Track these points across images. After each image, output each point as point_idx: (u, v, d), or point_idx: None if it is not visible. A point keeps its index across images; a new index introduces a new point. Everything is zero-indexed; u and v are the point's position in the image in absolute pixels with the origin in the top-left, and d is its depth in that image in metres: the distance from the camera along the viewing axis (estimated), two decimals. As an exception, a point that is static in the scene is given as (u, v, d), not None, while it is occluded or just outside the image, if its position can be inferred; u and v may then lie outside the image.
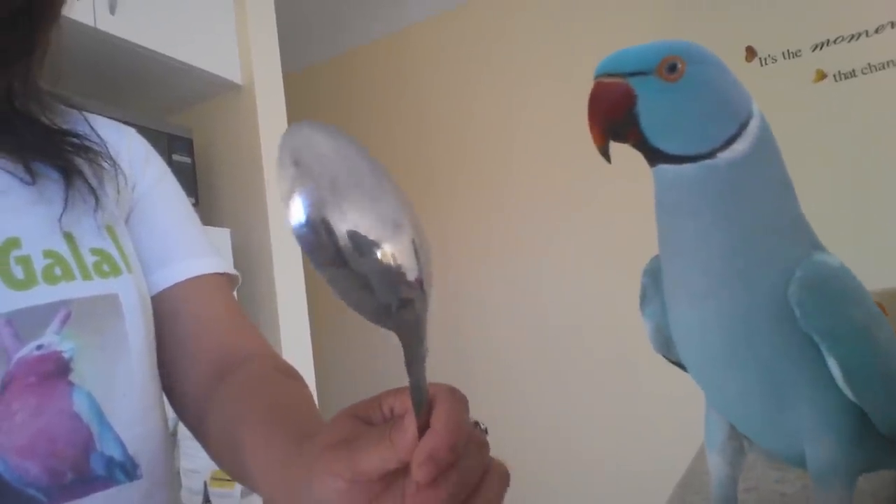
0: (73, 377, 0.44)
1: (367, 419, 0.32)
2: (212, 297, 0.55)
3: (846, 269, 0.41)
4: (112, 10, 1.35)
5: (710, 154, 0.40)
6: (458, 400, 0.29)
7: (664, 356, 0.49)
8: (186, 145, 1.56)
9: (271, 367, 0.50)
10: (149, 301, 0.52)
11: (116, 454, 0.46)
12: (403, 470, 0.29)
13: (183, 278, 0.54)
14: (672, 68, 0.41)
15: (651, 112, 0.41)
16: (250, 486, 0.45)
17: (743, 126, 0.41)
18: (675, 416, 2.08)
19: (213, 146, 1.70)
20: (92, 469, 0.44)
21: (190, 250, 0.56)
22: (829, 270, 0.40)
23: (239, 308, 0.57)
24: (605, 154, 0.43)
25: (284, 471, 0.35)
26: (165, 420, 0.52)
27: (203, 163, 1.66)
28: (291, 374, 0.50)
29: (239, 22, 1.68)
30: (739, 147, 0.40)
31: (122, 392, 0.47)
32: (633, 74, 0.41)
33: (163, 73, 1.54)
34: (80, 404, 0.45)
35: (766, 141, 0.42)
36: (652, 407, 2.15)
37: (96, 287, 0.47)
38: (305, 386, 0.49)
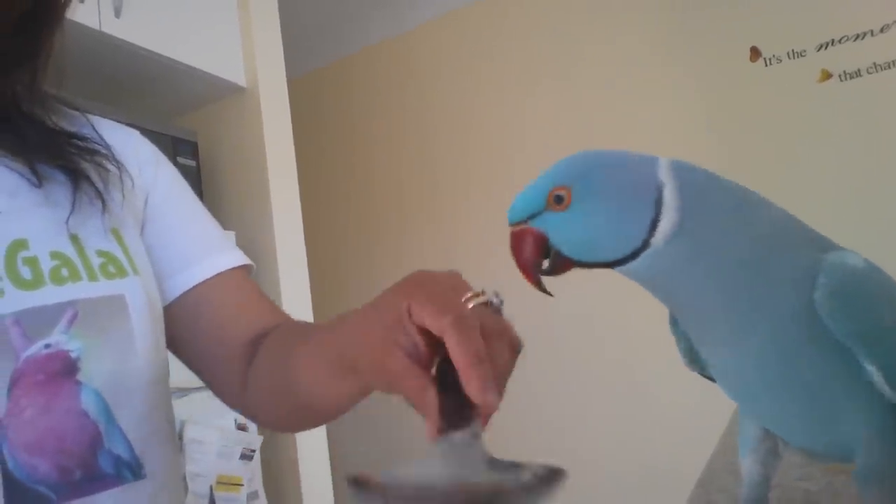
0: (80, 376, 0.44)
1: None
2: (236, 289, 0.59)
3: (869, 266, 0.40)
4: (117, 13, 1.35)
5: (644, 246, 0.40)
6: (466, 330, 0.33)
7: (698, 373, 0.48)
8: (191, 148, 1.56)
9: (298, 322, 0.56)
10: (157, 302, 0.52)
11: (124, 453, 0.46)
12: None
13: (206, 277, 0.57)
14: (559, 200, 0.42)
15: (565, 241, 0.43)
16: (308, 416, 0.52)
17: (658, 203, 0.40)
18: (682, 416, 2.07)
19: (217, 149, 1.70)
20: (100, 467, 0.44)
21: (209, 248, 0.59)
22: (851, 273, 0.38)
23: (262, 293, 0.61)
24: (543, 290, 0.45)
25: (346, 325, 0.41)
26: (172, 422, 0.52)
27: (208, 165, 1.66)
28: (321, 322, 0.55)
29: (243, 25, 1.68)
30: (665, 225, 0.40)
31: (128, 392, 0.47)
32: (532, 217, 0.44)
33: (167, 75, 1.55)
34: (87, 402, 0.44)
35: (690, 195, 0.41)
36: (658, 407, 2.14)
37: (102, 288, 0.47)
38: None
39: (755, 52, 2.07)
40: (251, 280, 0.62)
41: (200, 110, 1.74)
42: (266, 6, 1.74)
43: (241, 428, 1.41)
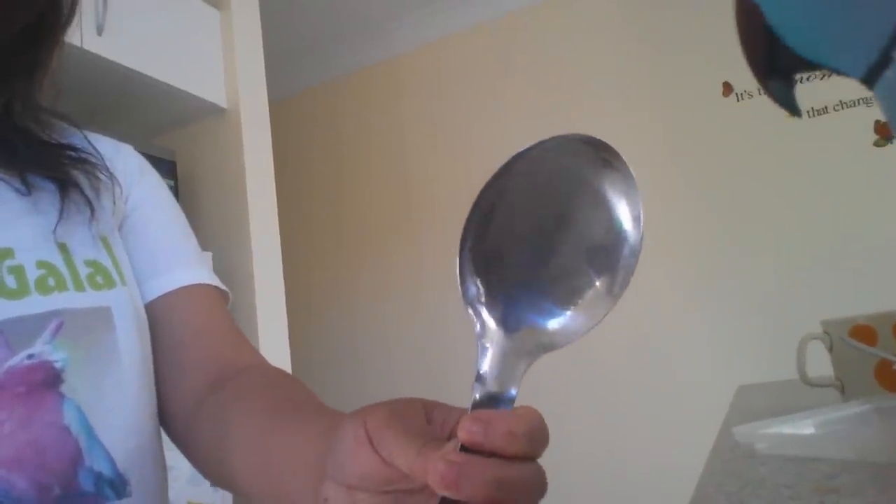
0: (63, 388, 0.43)
1: (431, 417, 0.29)
2: (205, 308, 0.54)
3: None
4: (99, 31, 1.34)
5: (883, 62, 0.26)
6: (538, 418, 0.26)
7: None
8: (170, 168, 1.54)
9: (273, 373, 0.49)
10: (143, 314, 0.51)
11: (105, 470, 0.44)
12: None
13: (175, 287, 0.53)
14: None
15: (782, 23, 0.30)
16: (243, 488, 0.42)
17: None
18: (674, 421, 2.08)
19: (196, 169, 1.69)
20: (80, 484, 0.42)
21: (183, 260, 0.56)
22: None
23: (233, 321, 0.56)
24: (775, 100, 0.33)
25: (324, 440, 0.32)
26: (159, 438, 0.51)
27: (186, 186, 1.65)
28: (296, 380, 0.48)
29: (226, 46, 1.68)
30: None
31: (112, 406, 0.46)
32: None
33: (148, 94, 1.54)
34: (69, 417, 0.43)
35: None
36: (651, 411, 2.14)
37: (89, 299, 0.46)
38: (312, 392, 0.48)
39: (727, 88, 2.13)
40: (223, 307, 0.56)
41: (180, 130, 1.73)
42: (249, 28, 1.75)
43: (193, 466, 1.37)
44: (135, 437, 0.46)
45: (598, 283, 0.27)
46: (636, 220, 0.27)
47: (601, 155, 0.27)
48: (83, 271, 0.47)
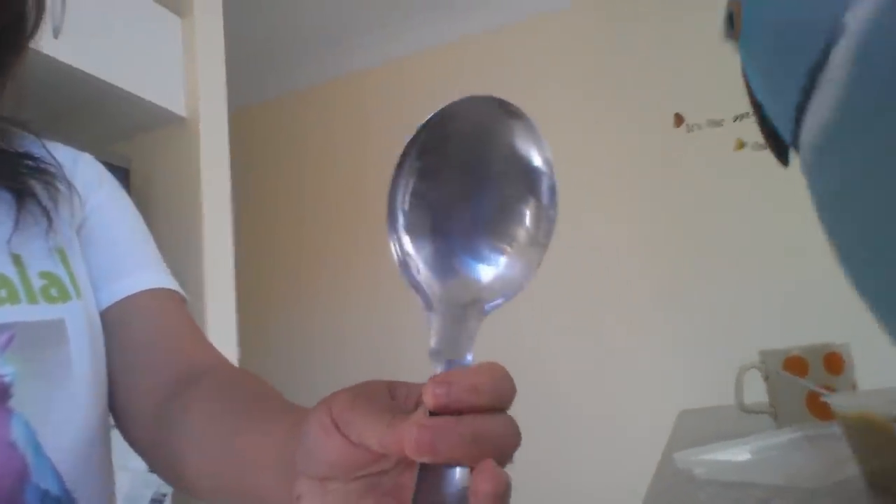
0: (12, 403, 0.42)
1: (394, 395, 0.29)
2: (165, 311, 0.54)
3: None
4: (56, 33, 1.31)
5: (794, 137, 0.27)
6: (500, 368, 0.26)
7: None
8: (123, 175, 1.51)
9: (237, 373, 0.48)
10: (99, 328, 0.51)
11: (52, 487, 0.43)
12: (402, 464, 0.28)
13: (136, 290, 0.53)
14: (730, 21, 0.29)
15: (751, 86, 0.30)
16: (210, 493, 0.42)
17: (815, 68, 0.24)
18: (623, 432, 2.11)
19: (151, 178, 1.65)
20: (26, 502, 0.42)
21: (143, 264, 0.55)
22: None
23: (194, 323, 0.55)
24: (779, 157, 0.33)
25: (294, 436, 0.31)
26: (110, 454, 0.50)
27: (140, 194, 1.61)
28: (260, 379, 0.47)
29: (187, 54, 1.66)
30: (812, 119, 0.24)
31: (60, 421, 0.45)
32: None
33: (104, 100, 1.51)
34: (17, 432, 0.42)
35: (881, 65, 0.22)
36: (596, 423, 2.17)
37: (42, 312, 0.46)
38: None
39: (679, 119, 2.21)
40: (184, 310, 0.56)
41: (136, 138, 1.69)
42: (211, 36, 1.74)
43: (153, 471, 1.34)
44: (84, 452, 0.46)
45: (523, 229, 0.28)
46: (548, 162, 0.28)
47: (505, 108, 0.29)
48: (37, 283, 0.47)
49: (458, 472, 0.24)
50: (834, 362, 0.71)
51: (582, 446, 2.17)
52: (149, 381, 0.49)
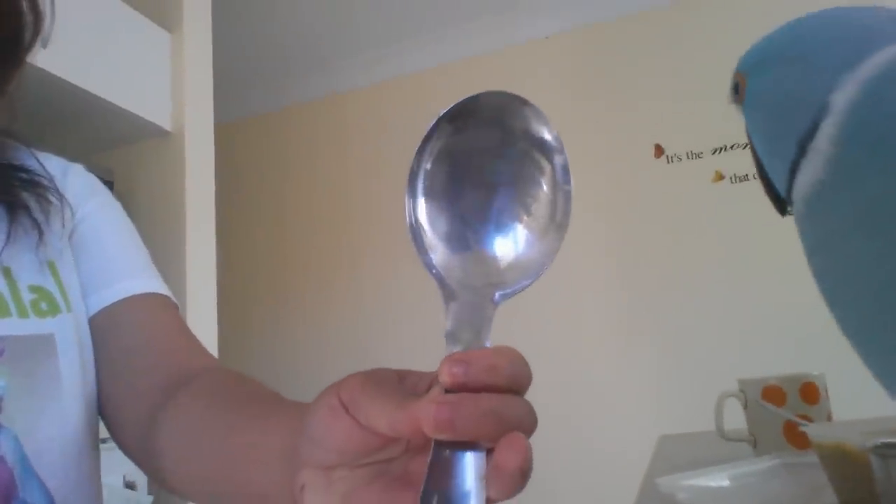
0: (1, 418, 0.42)
1: (403, 382, 0.28)
2: (157, 314, 0.53)
3: None
4: (44, 44, 1.31)
5: (788, 197, 0.30)
6: (517, 352, 0.26)
7: None
8: (107, 187, 1.50)
9: (232, 374, 0.47)
10: (89, 342, 0.50)
11: (40, 502, 0.43)
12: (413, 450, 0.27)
13: (125, 295, 0.52)
14: (735, 89, 0.33)
15: (757, 148, 0.34)
16: (209, 493, 0.40)
17: (805, 140, 0.28)
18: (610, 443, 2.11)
19: (134, 191, 1.64)
20: (12, 518, 0.41)
21: (133, 270, 0.55)
22: None
23: (186, 327, 0.55)
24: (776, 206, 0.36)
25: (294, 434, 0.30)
26: (98, 469, 0.49)
27: (123, 207, 1.60)
28: (255, 380, 0.45)
29: (175, 69, 1.67)
30: (803, 179, 0.28)
31: (49, 437, 0.45)
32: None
33: (90, 112, 1.50)
34: (6, 447, 0.42)
35: (861, 143, 0.26)
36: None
37: (32, 326, 0.46)
38: None
39: (659, 150, 2.26)
40: (177, 315, 0.55)
41: (120, 150, 1.69)
42: (200, 53, 1.74)
43: (130, 486, 1.31)
44: (73, 467, 0.45)
45: (541, 205, 0.28)
46: (559, 140, 0.29)
47: (518, 96, 0.29)
48: (27, 297, 0.47)
49: (473, 457, 0.24)
50: (810, 392, 0.72)
51: (563, 470, 2.17)
52: (140, 385, 0.48)
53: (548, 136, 0.29)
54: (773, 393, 0.73)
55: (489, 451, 0.24)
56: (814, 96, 0.28)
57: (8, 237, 0.47)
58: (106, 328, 0.51)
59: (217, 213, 1.70)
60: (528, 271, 0.28)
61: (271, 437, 0.34)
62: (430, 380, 0.27)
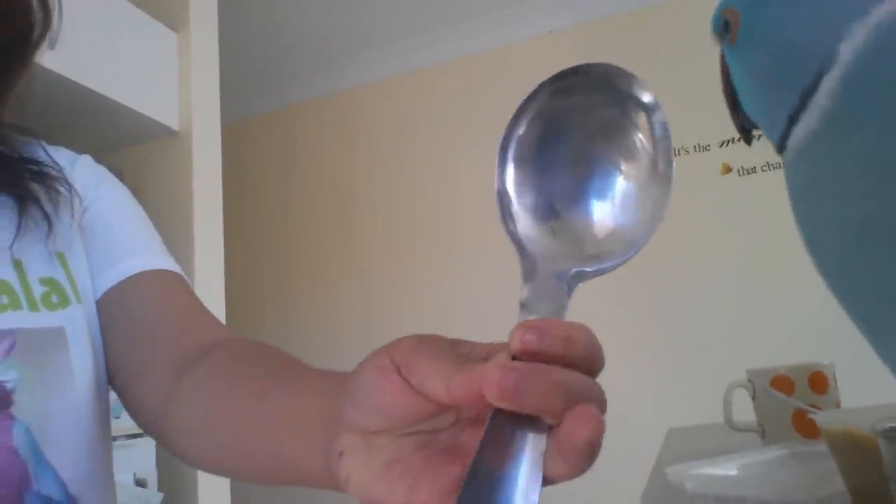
0: (14, 410, 0.43)
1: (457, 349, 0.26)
2: (168, 289, 0.53)
3: None
4: (52, 44, 1.32)
5: (781, 144, 0.29)
6: (592, 331, 0.24)
7: None
8: (114, 187, 1.51)
9: (255, 342, 0.45)
10: (98, 335, 0.51)
11: (55, 494, 0.43)
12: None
13: (135, 271, 0.52)
14: (726, 27, 0.31)
15: (738, 88, 0.32)
16: (234, 463, 0.38)
17: (807, 93, 0.27)
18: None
19: (142, 191, 1.65)
20: (27, 509, 0.42)
21: (143, 247, 0.55)
22: None
23: (200, 302, 0.54)
24: (742, 137, 0.35)
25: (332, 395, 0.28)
26: (111, 460, 0.50)
27: (130, 206, 1.61)
28: (280, 350, 0.44)
29: (182, 69, 1.67)
30: (800, 130, 0.28)
31: (62, 428, 0.45)
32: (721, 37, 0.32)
33: (98, 112, 1.51)
34: (19, 439, 0.42)
35: (862, 98, 0.25)
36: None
37: (43, 319, 0.46)
38: None
39: (666, 143, 2.25)
40: (190, 291, 0.54)
41: (127, 150, 1.70)
42: (207, 52, 1.75)
43: (140, 483, 1.32)
44: (87, 458, 0.46)
45: (640, 161, 0.27)
46: (656, 101, 0.29)
47: (614, 66, 0.29)
48: (38, 290, 0.47)
49: (533, 433, 0.22)
50: (819, 382, 0.72)
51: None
52: (157, 358, 0.47)
53: (647, 98, 0.29)
54: (781, 382, 0.72)
55: (550, 429, 0.22)
56: (820, 46, 0.26)
57: (18, 229, 0.48)
58: (117, 305, 0.51)
59: (224, 211, 1.71)
60: (630, 240, 0.27)
61: (304, 400, 0.32)
62: (487, 349, 0.25)
